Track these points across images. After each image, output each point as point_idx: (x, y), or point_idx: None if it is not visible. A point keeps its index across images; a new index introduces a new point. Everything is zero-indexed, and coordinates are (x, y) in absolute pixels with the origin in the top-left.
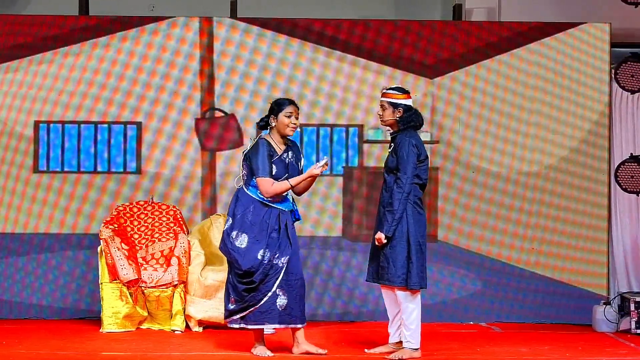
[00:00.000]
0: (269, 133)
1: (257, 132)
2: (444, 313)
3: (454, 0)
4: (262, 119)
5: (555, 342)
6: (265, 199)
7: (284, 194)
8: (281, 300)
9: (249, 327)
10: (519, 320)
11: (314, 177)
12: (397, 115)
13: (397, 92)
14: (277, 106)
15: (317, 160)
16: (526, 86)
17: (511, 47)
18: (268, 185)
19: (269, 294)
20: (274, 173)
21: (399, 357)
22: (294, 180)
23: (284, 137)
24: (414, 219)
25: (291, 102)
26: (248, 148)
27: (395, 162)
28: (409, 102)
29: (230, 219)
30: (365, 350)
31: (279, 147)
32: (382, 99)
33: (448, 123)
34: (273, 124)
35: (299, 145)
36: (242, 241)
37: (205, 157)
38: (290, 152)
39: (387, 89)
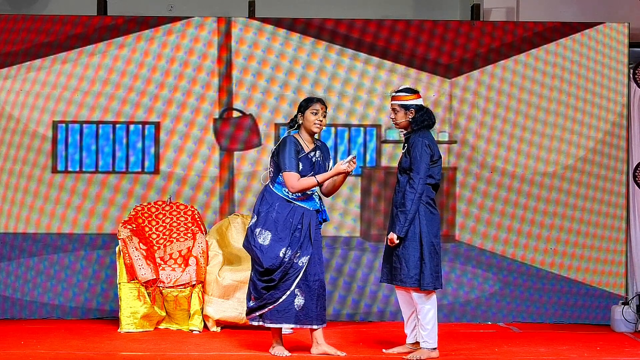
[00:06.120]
0: (297, 132)
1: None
2: (463, 313)
3: (473, 0)
4: (292, 120)
5: (574, 342)
6: (290, 196)
7: (309, 193)
8: (299, 300)
9: (267, 325)
10: (537, 320)
11: (343, 176)
12: (410, 117)
13: (406, 94)
14: (305, 103)
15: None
16: (544, 86)
17: (528, 48)
18: (294, 180)
19: (287, 292)
20: (299, 170)
21: (417, 357)
22: (320, 177)
23: (312, 135)
24: (426, 219)
25: (319, 100)
26: (276, 146)
27: (409, 163)
28: (419, 101)
29: (255, 216)
30: (383, 350)
31: (306, 146)
32: (393, 102)
33: (466, 123)
34: (300, 121)
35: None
36: (265, 238)
37: (224, 158)
38: (318, 152)
39: (396, 92)
